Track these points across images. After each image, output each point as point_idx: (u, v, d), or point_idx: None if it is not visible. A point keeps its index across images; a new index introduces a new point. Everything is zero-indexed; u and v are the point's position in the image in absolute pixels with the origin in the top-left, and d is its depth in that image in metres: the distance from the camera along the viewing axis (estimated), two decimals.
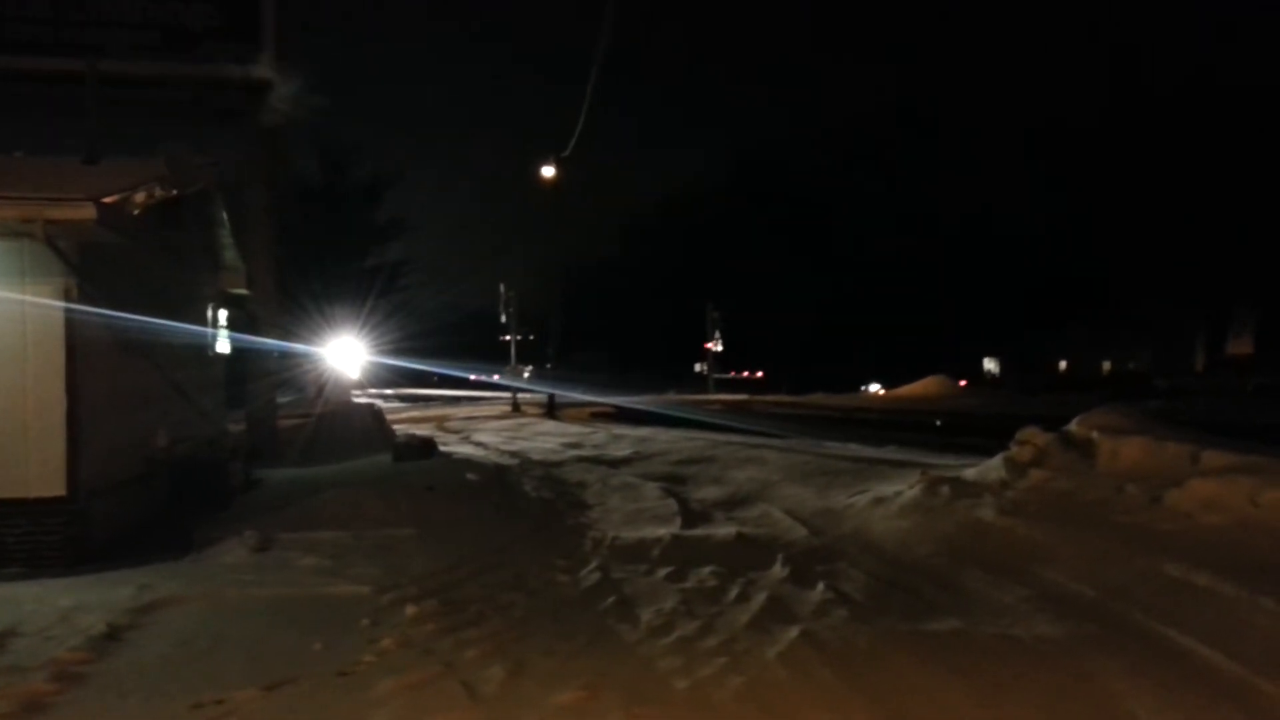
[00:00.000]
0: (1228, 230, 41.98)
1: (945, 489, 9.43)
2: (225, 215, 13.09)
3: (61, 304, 8.02)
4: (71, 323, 8.07)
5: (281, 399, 19.14)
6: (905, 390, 46.01)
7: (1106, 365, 55.92)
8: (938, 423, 25.67)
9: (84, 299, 8.22)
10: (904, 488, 9.98)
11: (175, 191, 10.07)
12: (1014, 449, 9.82)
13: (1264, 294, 44.90)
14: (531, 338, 39.40)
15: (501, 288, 42.79)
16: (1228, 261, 43.52)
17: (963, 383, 48.18)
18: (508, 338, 47.30)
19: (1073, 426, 9.74)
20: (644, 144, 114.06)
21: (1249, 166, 41.01)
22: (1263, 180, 40.05)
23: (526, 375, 41.39)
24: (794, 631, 5.65)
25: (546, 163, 31.90)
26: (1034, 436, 9.78)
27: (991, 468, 9.83)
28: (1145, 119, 45.73)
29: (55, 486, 8.02)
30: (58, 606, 6.47)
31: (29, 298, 7.97)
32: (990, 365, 62.10)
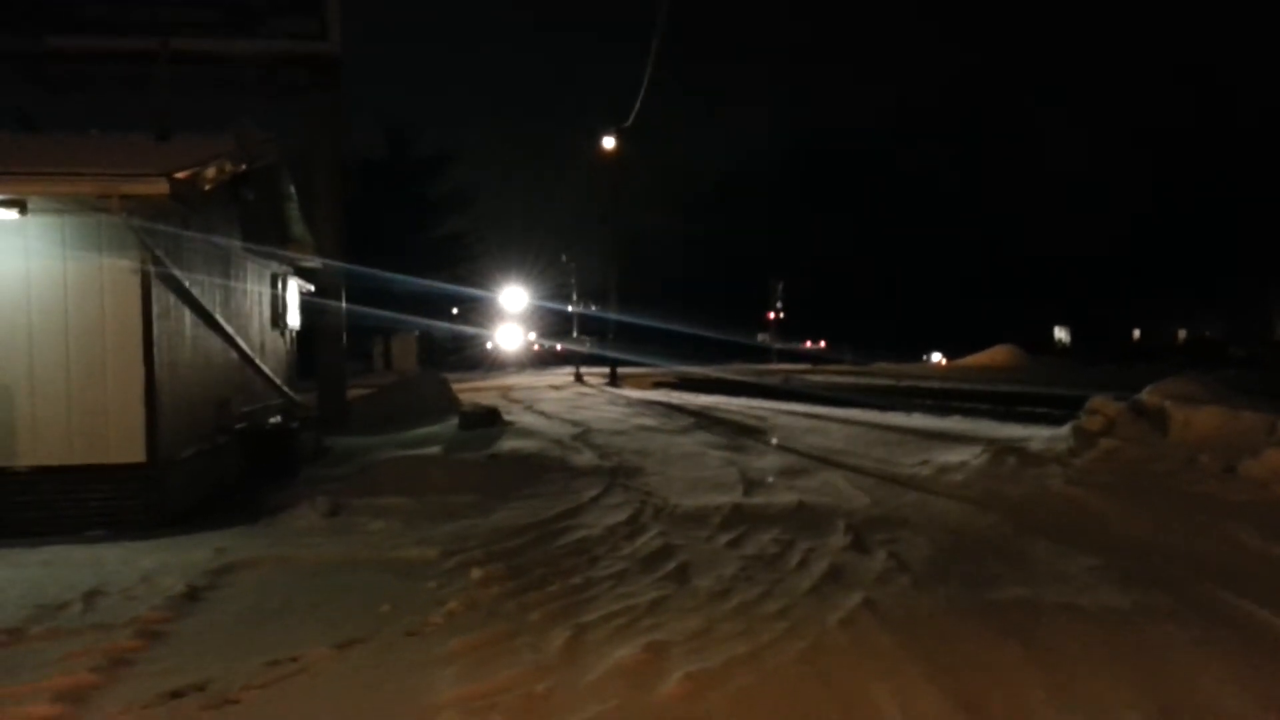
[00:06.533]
0: None
1: (1012, 458, 9.33)
2: (293, 188, 13.33)
3: (138, 276, 8.27)
4: (147, 294, 8.32)
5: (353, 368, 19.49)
6: (970, 360, 45.18)
7: (1182, 334, 54.42)
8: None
9: (159, 271, 8.47)
10: (969, 457, 9.88)
11: (244, 166, 10.30)
12: (1083, 418, 9.68)
13: None
14: (594, 308, 39.52)
15: (563, 257, 42.87)
16: None
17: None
18: (570, 308, 47.29)
19: (1144, 395, 9.56)
20: (708, 114, 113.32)
21: None
22: None
23: (588, 346, 41.50)
24: (855, 598, 5.64)
25: (608, 134, 31.90)
26: (1104, 406, 9.62)
27: (1060, 437, 9.70)
28: (1226, 100, 44.10)
29: (135, 453, 8.31)
30: (139, 568, 6.73)
31: (107, 270, 8.24)
32: (1061, 334, 60.80)
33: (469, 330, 48.74)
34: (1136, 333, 57.03)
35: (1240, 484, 7.58)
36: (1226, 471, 7.81)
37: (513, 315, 48.13)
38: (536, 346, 55.80)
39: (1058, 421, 11.18)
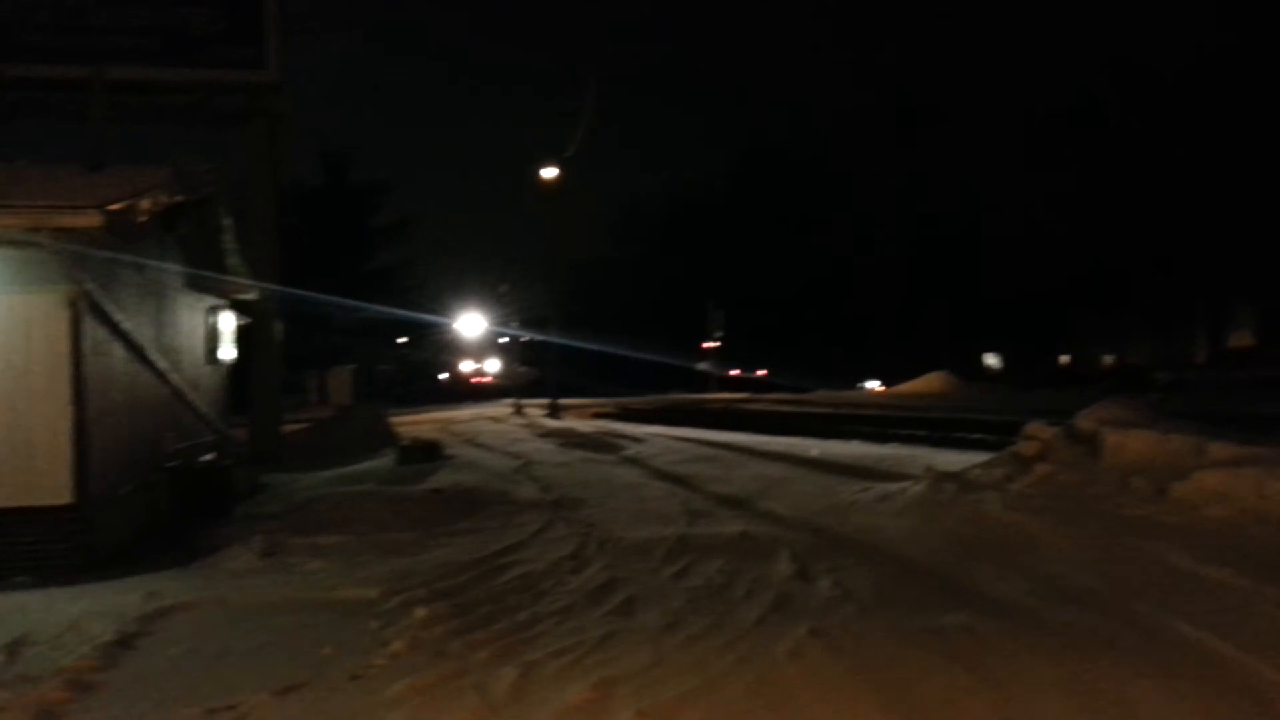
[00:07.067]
0: (1228, 221, 41.94)
1: (950, 485, 9.45)
2: (229, 220, 13.12)
3: (68, 311, 8.05)
4: (77, 330, 8.11)
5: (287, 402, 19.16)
6: (906, 387, 45.83)
7: (1108, 359, 55.85)
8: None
9: (90, 307, 8.26)
10: (909, 484, 10.00)
11: (180, 198, 10.11)
12: (1019, 444, 9.85)
13: (1264, 286, 44.79)
14: (536, 336, 39.35)
15: (503, 287, 42.71)
16: (1228, 253, 43.42)
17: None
18: (506, 338, 47.00)
19: (1078, 420, 9.76)
20: (644, 141, 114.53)
21: (1250, 157, 40.92)
22: (1264, 171, 39.99)
23: (528, 374, 41.28)
24: (802, 628, 5.66)
25: (547, 164, 31.92)
26: (1039, 431, 9.81)
27: (997, 463, 9.85)
28: (1147, 108, 45.60)
29: (62, 495, 8.06)
30: (67, 614, 6.50)
31: (35, 305, 8.00)
32: (991, 360, 62.02)
33: (416, 360, 48.00)
34: (1064, 358, 58.40)
35: (1171, 506, 7.77)
36: (1158, 494, 8.00)
37: (459, 345, 47.64)
38: (478, 378, 55.26)
39: (994, 447, 11.38)
